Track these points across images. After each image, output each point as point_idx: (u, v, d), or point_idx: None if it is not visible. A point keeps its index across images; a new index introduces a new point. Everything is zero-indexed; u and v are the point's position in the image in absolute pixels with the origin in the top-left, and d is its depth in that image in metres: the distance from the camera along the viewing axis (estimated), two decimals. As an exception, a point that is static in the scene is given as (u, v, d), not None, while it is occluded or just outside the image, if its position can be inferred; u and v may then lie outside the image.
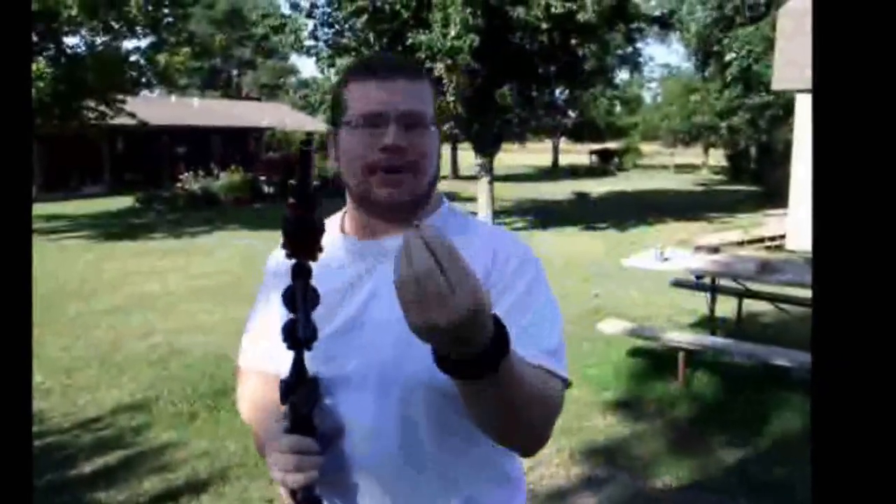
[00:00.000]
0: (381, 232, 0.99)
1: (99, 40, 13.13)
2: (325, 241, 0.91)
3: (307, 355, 0.88)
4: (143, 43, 13.75)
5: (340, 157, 0.98)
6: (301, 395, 0.87)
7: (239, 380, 1.10)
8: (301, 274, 0.84)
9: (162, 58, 13.09)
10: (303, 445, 0.86)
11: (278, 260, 1.02)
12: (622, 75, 33.49)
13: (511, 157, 33.22)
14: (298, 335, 0.82)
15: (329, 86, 11.37)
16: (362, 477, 0.95)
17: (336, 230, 1.03)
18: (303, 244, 0.84)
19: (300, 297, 0.84)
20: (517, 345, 0.79)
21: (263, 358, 1.03)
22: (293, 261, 0.85)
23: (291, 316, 0.85)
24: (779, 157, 17.08)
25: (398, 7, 10.41)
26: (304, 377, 0.87)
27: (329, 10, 11.45)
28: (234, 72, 46.62)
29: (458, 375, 0.71)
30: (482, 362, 0.70)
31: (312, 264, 0.87)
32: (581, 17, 10.21)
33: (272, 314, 1.00)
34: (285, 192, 20.18)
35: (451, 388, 0.82)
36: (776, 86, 10.77)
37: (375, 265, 0.98)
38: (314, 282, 0.86)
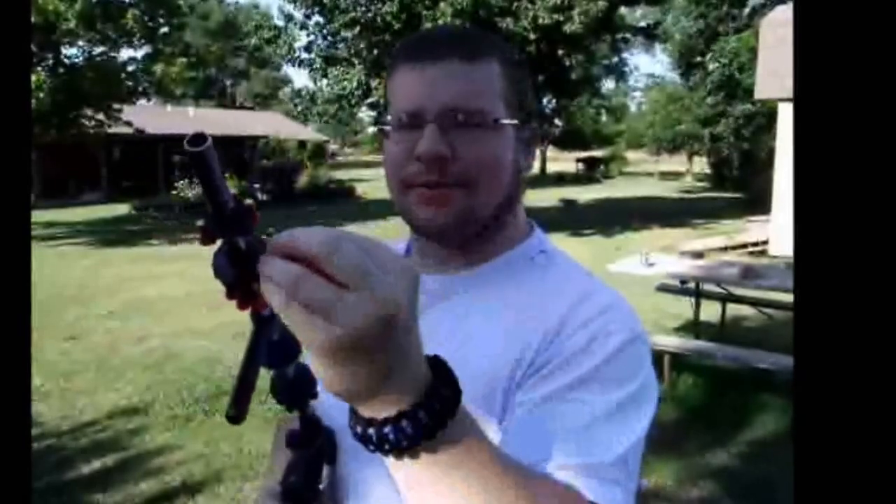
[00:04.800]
0: (447, 262, 0.74)
1: (96, 51, 13.24)
2: None
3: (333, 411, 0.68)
4: (140, 53, 13.89)
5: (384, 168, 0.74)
6: (298, 459, 0.71)
7: None
8: (255, 322, 0.59)
9: (158, 68, 13.21)
10: None
11: None
12: (608, 85, 33.99)
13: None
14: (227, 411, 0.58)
15: (324, 96, 11.52)
16: None
17: (402, 252, 0.80)
18: (238, 285, 0.55)
19: (245, 354, 0.58)
20: (541, 446, 0.57)
21: None
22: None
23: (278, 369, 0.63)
24: (761, 165, 17.32)
25: (389, 19, 10.53)
26: (310, 438, 0.70)
27: (322, 21, 11.56)
28: (229, 82, 46.70)
29: (371, 445, 0.45)
30: (402, 427, 0.44)
31: None
32: (568, 28, 10.39)
33: None
34: (278, 199, 19.56)
35: None
36: (759, 95, 10.98)
37: (424, 313, 0.69)
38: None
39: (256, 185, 18.02)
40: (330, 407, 0.65)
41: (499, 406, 0.65)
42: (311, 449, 0.71)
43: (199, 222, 0.50)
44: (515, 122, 0.71)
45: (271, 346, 0.60)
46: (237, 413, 0.53)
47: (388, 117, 0.71)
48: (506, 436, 0.61)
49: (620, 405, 0.62)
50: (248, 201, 0.51)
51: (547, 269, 0.74)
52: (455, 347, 0.63)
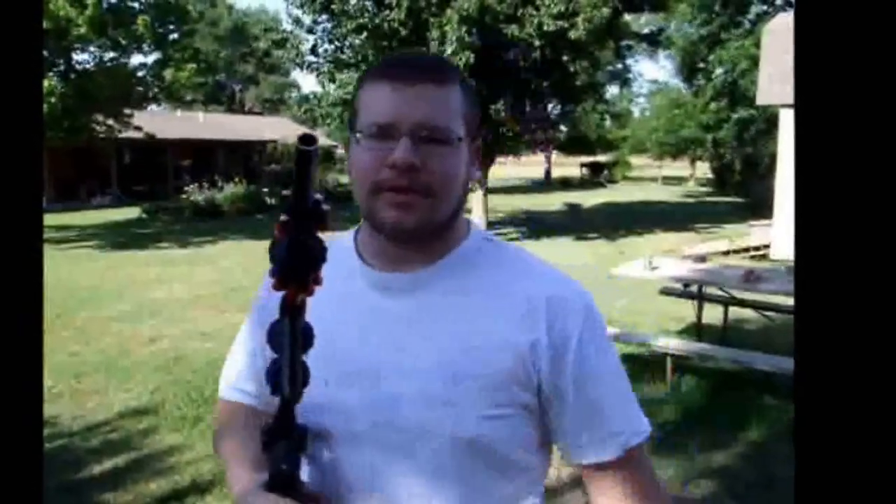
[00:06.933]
0: (403, 261, 0.83)
1: (107, 57, 13.31)
2: (337, 266, 0.76)
3: (304, 405, 0.73)
4: (150, 59, 13.94)
5: (351, 172, 0.83)
6: (284, 448, 0.74)
7: (219, 412, 0.97)
8: (291, 312, 0.66)
9: (168, 73, 13.27)
10: None
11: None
12: (612, 91, 34.00)
13: (505, 169, 33.51)
14: (283, 392, 0.66)
15: (331, 99, 11.58)
16: None
17: (349, 254, 0.87)
18: (296, 275, 0.64)
19: (288, 342, 0.66)
20: (588, 427, 0.81)
21: (237, 388, 0.94)
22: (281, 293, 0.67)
23: (275, 357, 0.69)
24: (763, 170, 17.34)
25: (396, 25, 10.60)
26: (291, 428, 0.74)
27: (329, 26, 11.64)
28: (238, 87, 46.85)
29: None
30: None
31: (312, 297, 0.69)
32: (572, 34, 10.42)
33: (255, 344, 0.91)
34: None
35: (484, 444, 0.78)
36: (760, 100, 11.00)
37: (399, 303, 0.82)
38: (314, 316, 0.69)
39: (265, 189, 18.11)
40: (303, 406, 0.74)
41: (529, 367, 0.80)
42: (293, 440, 0.74)
43: (282, 217, 0.57)
44: (470, 138, 0.82)
45: (305, 335, 0.68)
46: (296, 395, 0.61)
47: (357, 127, 0.80)
48: (563, 419, 0.83)
49: (621, 370, 0.87)
50: (325, 206, 0.59)
51: (497, 253, 0.87)
52: (468, 327, 0.80)
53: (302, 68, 11.83)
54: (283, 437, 0.74)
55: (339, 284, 0.79)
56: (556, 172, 34.86)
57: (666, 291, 5.34)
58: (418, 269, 0.83)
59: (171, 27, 13.70)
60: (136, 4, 13.28)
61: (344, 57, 11.61)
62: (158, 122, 18.99)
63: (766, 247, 10.36)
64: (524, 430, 0.82)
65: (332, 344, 0.78)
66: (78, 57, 13.24)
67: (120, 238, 12.88)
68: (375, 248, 0.84)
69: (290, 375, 0.64)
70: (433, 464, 0.79)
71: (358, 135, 0.79)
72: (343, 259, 0.85)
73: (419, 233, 0.79)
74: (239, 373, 0.95)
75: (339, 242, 0.89)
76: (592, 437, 0.82)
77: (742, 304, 5.13)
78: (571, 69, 11.33)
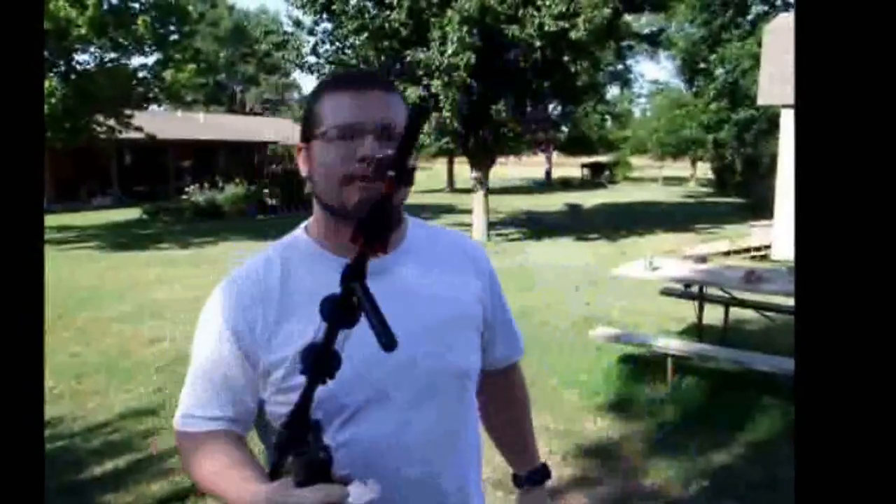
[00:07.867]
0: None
1: (108, 57, 13.34)
2: (305, 263, 0.93)
3: (332, 389, 0.79)
4: (151, 60, 13.96)
5: (315, 170, 0.95)
6: (313, 438, 0.77)
7: (190, 447, 0.96)
8: (362, 275, 0.70)
9: (168, 74, 13.29)
10: (334, 495, 0.75)
11: (242, 290, 0.96)
12: (613, 91, 34.02)
13: (505, 170, 33.55)
14: (382, 341, 0.67)
15: None
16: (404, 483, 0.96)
17: (309, 250, 0.98)
18: (381, 232, 0.69)
19: (367, 299, 0.69)
20: (508, 338, 1.15)
21: (210, 416, 0.95)
22: (348, 261, 0.71)
23: (313, 341, 0.72)
24: (764, 170, 17.34)
25: (397, 25, 10.60)
26: (310, 419, 0.76)
27: (330, 27, 11.65)
28: (238, 88, 46.96)
29: None
30: None
31: (300, 295, 0.85)
32: (573, 35, 10.43)
33: (231, 360, 0.94)
34: (287, 204, 20.11)
35: (474, 370, 1.04)
36: (761, 101, 11.00)
37: (380, 284, 0.88)
38: (311, 312, 0.74)
39: (266, 191, 18.13)
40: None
41: (485, 304, 1.07)
42: (314, 430, 0.78)
43: (390, 173, 0.69)
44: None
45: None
46: (394, 341, 0.69)
47: (321, 130, 0.94)
48: (494, 335, 1.12)
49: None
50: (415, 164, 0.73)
51: (425, 229, 1.07)
52: (440, 288, 1.01)
53: (302, 69, 11.84)
54: (307, 429, 0.76)
55: (317, 278, 0.92)
56: (557, 173, 34.88)
57: (667, 292, 5.34)
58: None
59: (172, 28, 13.73)
60: (136, 5, 13.30)
61: (345, 58, 11.62)
62: (159, 122, 19.02)
63: (767, 247, 10.36)
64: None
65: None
66: (78, 58, 13.28)
67: (121, 239, 12.90)
68: (340, 240, 0.94)
69: (383, 330, 0.68)
70: (451, 396, 1.00)
71: (325, 136, 0.93)
72: (304, 257, 0.97)
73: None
74: (210, 401, 0.96)
75: (290, 243, 1.01)
76: (510, 344, 1.17)
77: (743, 304, 5.13)
78: (572, 69, 11.32)
